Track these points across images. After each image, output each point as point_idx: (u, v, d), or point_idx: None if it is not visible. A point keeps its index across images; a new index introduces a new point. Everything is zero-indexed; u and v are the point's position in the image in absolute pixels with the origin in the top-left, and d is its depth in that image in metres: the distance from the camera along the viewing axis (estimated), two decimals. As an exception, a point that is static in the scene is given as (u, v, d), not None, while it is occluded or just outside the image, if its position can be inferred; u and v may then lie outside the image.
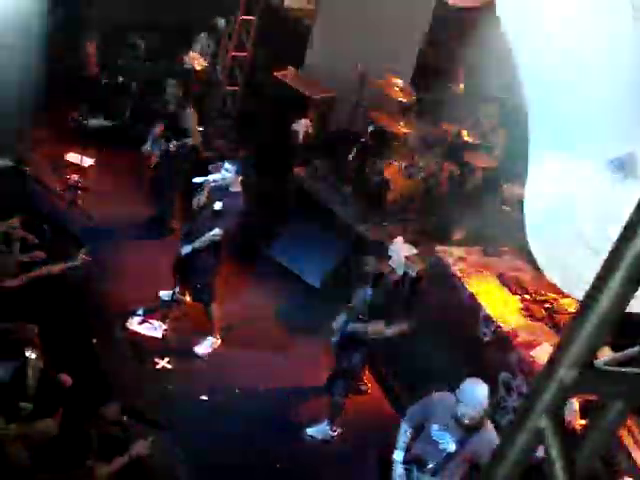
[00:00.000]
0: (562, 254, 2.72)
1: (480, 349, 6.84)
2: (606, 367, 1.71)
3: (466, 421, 4.84)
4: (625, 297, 1.64)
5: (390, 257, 6.54)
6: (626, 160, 2.67)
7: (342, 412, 6.64)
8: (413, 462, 5.06)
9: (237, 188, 6.94)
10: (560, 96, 2.66)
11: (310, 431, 6.63)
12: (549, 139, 2.78)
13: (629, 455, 5.54)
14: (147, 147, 8.31)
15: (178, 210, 8.60)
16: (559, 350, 1.65)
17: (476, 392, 4.84)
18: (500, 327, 6.72)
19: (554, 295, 7.08)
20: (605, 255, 1.68)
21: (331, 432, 6.65)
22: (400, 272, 6.75)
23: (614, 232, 1.69)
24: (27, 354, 4.50)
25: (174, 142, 8.17)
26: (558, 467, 1.58)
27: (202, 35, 10.47)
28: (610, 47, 2.64)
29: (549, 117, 2.78)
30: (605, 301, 1.62)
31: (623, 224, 1.65)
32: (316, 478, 6.28)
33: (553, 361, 1.64)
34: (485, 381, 5.08)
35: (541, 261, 2.99)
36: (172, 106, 8.30)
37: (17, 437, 4.05)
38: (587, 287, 1.70)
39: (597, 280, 1.66)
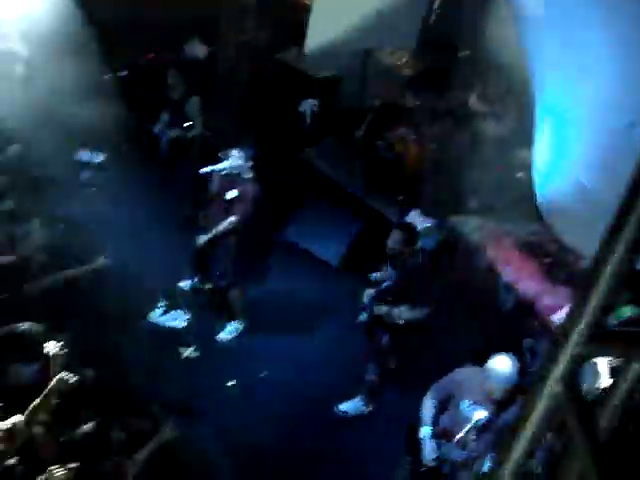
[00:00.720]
0: (568, 211, 2.73)
1: (503, 316, 6.83)
2: (620, 328, 1.70)
3: (497, 397, 4.85)
4: (635, 253, 1.62)
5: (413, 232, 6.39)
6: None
7: (377, 391, 6.64)
8: (442, 436, 5.06)
9: (248, 175, 6.92)
10: (559, 70, 2.65)
11: (342, 407, 6.64)
12: (550, 105, 2.78)
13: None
14: (157, 130, 8.33)
15: (192, 199, 8.60)
16: (572, 313, 1.64)
17: (504, 368, 4.83)
18: (521, 293, 6.70)
19: (574, 257, 7.03)
20: (611, 209, 1.66)
21: (365, 408, 6.67)
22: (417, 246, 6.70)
23: (618, 187, 1.67)
24: (49, 350, 4.53)
25: (177, 130, 8.18)
26: (577, 432, 1.57)
27: None
28: (612, 29, 2.62)
29: (549, 86, 2.78)
30: (614, 259, 1.60)
31: (630, 176, 1.62)
32: (346, 456, 6.30)
33: (566, 325, 1.63)
34: (509, 348, 5.08)
35: (550, 220, 3.00)
36: (176, 95, 8.29)
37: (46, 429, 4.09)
38: (594, 243, 1.68)
39: (606, 237, 1.64)
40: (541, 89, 2.90)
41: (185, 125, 8.26)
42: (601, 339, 1.62)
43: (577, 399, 1.61)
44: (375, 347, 6.49)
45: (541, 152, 2.89)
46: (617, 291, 1.59)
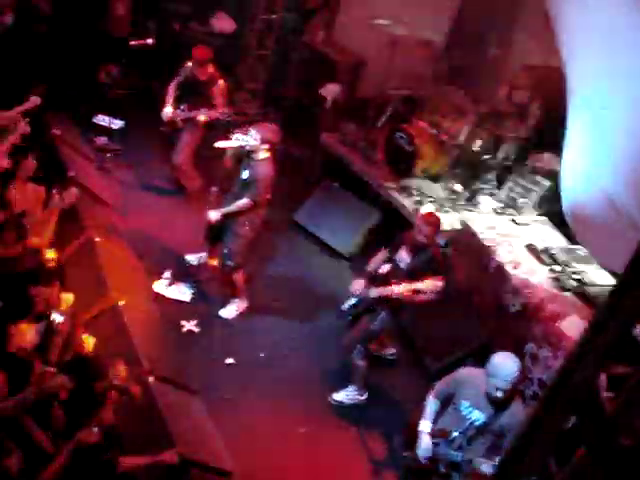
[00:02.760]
0: (596, 223, 2.67)
1: (507, 320, 6.79)
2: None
3: (497, 395, 4.79)
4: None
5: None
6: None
7: (365, 376, 6.60)
8: (439, 435, 5.03)
9: (264, 155, 6.80)
10: (601, 82, 2.59)
11: (336, 396, 6.63)
12: (587, 115, 2.73)
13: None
14: (168, 111, 8.12)
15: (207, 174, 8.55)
16: (596, 321, 1.60)
17: (506, 366, 4.78)
18: (528, 298, 6.66)
19: (584, 266, 7.00)
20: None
21: (359, 396, 6.65)
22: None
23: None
24: (53, 317, 4.51)
25: (204, 111, 8.04)
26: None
27: None
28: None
29: (589, 99, 2.72)
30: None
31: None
32: (341, 443, 6.29)
33: (590, 332, 1.60)
34: (511, 351, 5.04)
35: (574, 228, 2.95)
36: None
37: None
38: (619, 256, 1.64)
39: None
40: (576, 92, 2.85)
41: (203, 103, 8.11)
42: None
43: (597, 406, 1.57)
44: (362, 332, 6.44)
45: (571, 158, 2.84)
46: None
